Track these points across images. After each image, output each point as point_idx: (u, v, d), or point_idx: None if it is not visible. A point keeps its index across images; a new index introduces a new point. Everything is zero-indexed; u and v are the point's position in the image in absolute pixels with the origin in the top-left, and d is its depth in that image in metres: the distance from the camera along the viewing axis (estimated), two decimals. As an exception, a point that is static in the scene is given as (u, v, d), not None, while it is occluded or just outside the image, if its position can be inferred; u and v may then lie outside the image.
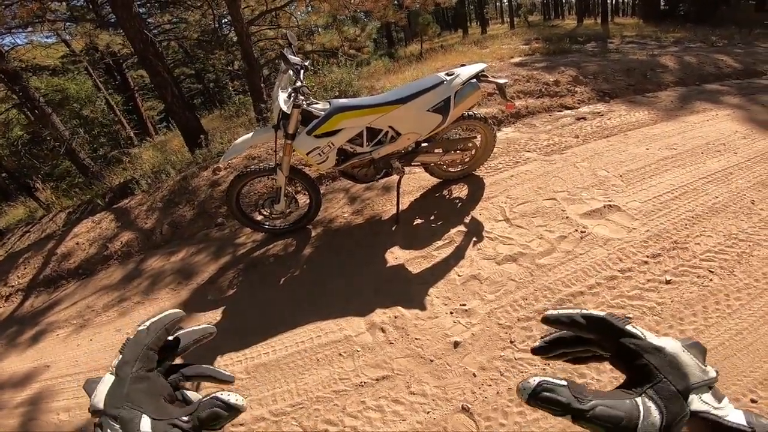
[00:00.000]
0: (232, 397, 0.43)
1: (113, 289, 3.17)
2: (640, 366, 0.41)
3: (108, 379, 0.43)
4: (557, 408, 0.37)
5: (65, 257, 3.74)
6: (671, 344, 0.41)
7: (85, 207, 4.68)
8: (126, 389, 0.42)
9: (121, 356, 0.44)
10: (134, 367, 0.44)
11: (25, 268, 3.82)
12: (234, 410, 0.43)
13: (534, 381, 0.39)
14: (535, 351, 0.50)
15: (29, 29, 7.52)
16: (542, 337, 0.51)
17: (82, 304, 3.11)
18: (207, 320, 2.53)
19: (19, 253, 4.22)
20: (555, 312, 0.47)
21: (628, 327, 0.43)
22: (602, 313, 0.44)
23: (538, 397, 0.38)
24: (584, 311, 0.45)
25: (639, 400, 0.38)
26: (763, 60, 6.11)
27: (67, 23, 8.95)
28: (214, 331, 0.55)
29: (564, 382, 0.38)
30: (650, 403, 0.37)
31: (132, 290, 3.07)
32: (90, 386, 0.43)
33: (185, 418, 0.41)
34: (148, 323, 0.48)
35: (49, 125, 7.28)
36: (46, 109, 7.42)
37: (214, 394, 0.43)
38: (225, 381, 0.52)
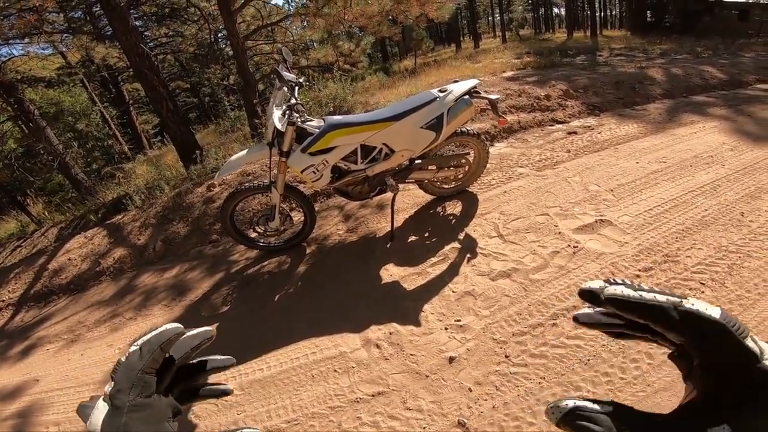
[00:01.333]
0: (254, 430, 0.42)
1: (105, 304, 3.15)
2: (749, 394, 0.30)
3: (102, 407, 0.40)
4: None
5: (57, 273, 3.72)
6: None
7: (77, 222, 4.66)
8: (123, 419, 0.39)
9: (114, 383, 0.41)
10: (130, 395, 0.41)
11: (15, 283, 3.80)
12: None
13: (568, 404, 0.32)
14: (578, 320, 0.41)
15: (26, 40, 7.56)
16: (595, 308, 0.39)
17: (74, 319, 3.09)
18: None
19: (9, 268, 4.19)
20: (631, 292, 0.35)
21: (749, 341, 0.32)
22: (716, 314, 0.33)
23: (570, 425, 0.32)
24: (675, 299, 0.34)
25: None
26: (748, 70, 6.27)
27: (64, 35, 9.01)
28: (213, 333, 0.51)
29: (607, 407, 0.32)
30: None
31: (124, 306, 3.05)
32: (84, 411, 0.41)
33: None
34: (140, 343, 0.44)
35: (43, 138, 7.27)
36: (40, 122, 7.40)
37: (237, 428, 0.43)
38: (229, 365, 0.52)
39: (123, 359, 0.43)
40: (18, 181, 10.07)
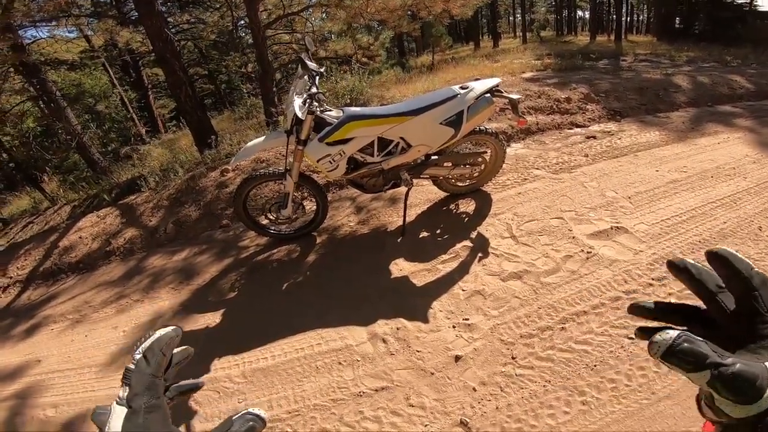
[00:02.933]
0: (259, 411, 0.45)
1: (113, 285, 3.17)
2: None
3: (120, 411, 0.43)
4: (694, 360, 0.35)
5: (67, 251, 3.75)
6: None
7: (90, 201, 4.72)
8: (142, 420, 0.42)
9: (129, 388, 0.44)
10: (144, 397, 0.44)
11: (25, 260, 3.84)
12: (264, 423, 0.44)
13: (672, 333, 0.36)
14: (635, 309, 0.45)
15: (53, 23, 7.65)
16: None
17: (80, 299, 3.11)
18: (206, 322, 2.53)
19: (20, 244, 4.24)
20: (696, 264, 0.43)
21: None
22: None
23: (677, 350, 0.36)
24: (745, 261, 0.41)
25: None
26: (777, 81, 6.09)
27: (90, 19, 9.12)
28: (192, 352, 0.55)
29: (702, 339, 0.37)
30: None
31: (132, 288, 3.07)
32: (99, 418, 0.44)
33: None
34: (142, 349, 0.47)
35: (63, 118, 7.37)
36: (61, 102, 7.50)
37: (245, 411, 0.45)
38: (198, 387, 0.53)
39: (132, 366, 0.46)
40: (34, 159, 10.24)
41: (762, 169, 3.31)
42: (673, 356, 0.36)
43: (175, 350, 0.52)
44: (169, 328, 0.50)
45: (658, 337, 0.37)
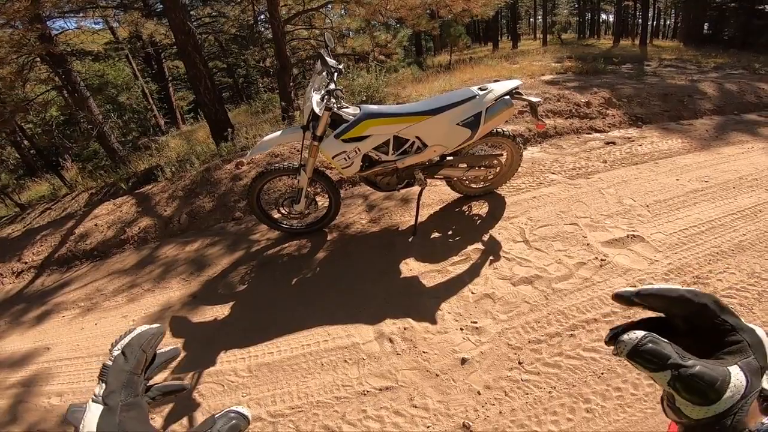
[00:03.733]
0: (244, 409, 0.44)
1: (125, 274, 3.22)
2: (734, 341, 0.41)
3: (95, 409, 0.42)
4: (657, 360, 0.38)
5: (82, 238, 3.82)
6: (759, 330, 0.43)
7: (108, 189, 4.81)
8: (117, 418, 0.41)
9: (105, 385, 0.43)
10: (122, 395, 0.43)
11: (41, 246, 3.92)
12: (248, 421, 0.44)
13: (639, 333, 0.39)
14: (618, 298, 0.47)
15: (80, 14, 7.81)
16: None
17: (92, 286, 3.16)
18: (215, 314, 2.55)
19: (37, 229, 4.33)
20: (652, 287, 0.44)
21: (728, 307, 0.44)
22: (706, 299, 0.43)
23: (641, 349, 0.38)
24: (682, 289, 0.43)
25: (732, 368, 0.39)
26: (806, 90, 5.88)
27: (117, 10, 9.30)
28: (178, 353, 0.53)
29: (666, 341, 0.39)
30: (740, 374, 0.38)
31: (144, 277, 3.11)
32: (74, 415, 0.42)
33: None
34: (121, 346, 0.46)
35: (86, 108, 7.52)
36: (84, 92, 7.66)
37: (228, 409, 0.44)
38: (182, 389, 0.52)
39: (109, 363, 0.45)
40: (55, 147, 10.47)
41: (786, 181, 3.21)
42: (638, 355, 0.38)
43: (162, 349, 0.51)
44: (153, 326, 0.49)
45: (625, 337, 0.39)
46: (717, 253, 2.45)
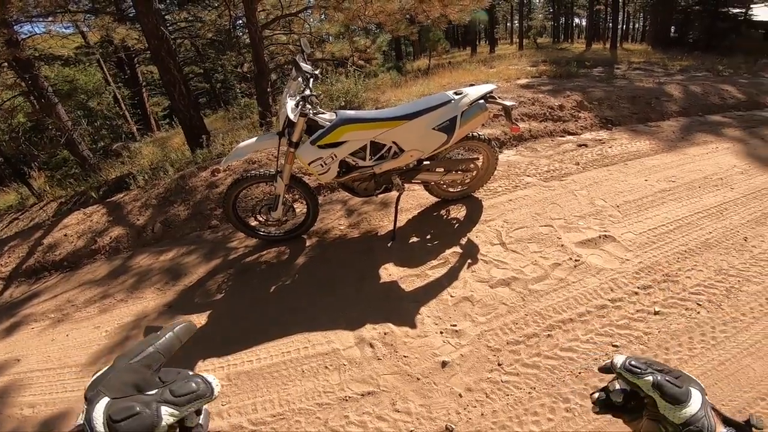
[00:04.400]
0: (211, 378, 0.43)
1: (97, 284, 3.12)
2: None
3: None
4: (643, 368, 0.52)
5: (51, 248, 3.69)
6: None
7: (77, 198, 4.66)
8: (109, 376, 0.42)
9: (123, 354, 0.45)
10: (133, 359, 0.43)
11: (8, 257, 3.77)
12: (210, 391, 0.42)
13: (623, 356, 0.54)
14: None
15: (49, 19, 7.56)
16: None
17: (63, 297, 3.06)
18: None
19: (4, 240, 4.16)
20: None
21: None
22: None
23: (630, 364, 0.53)
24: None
25: (685, 386, 0.53)
26: (767, 91, 6.18)
27: (87, 15, 9.03)
28: (195, 328, 0.54)
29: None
30: (692, 389, 0.52)
31: (116, 287, 3.03)
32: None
33: (152, 392, 0.41)
34: (162, 330, 0.48)
35: (53, 114, 7.28)
36: (52, 98, 7.42)
37: (194, 373, 0.43)
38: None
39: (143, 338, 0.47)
40: (23, 154, 10.09)
41: (749, 179, 3.36)
42: (628, 369, 0.52)
43: (178, 327, 0.52)
44: (189, 323, 0.51)
45: (615, 359, 0.55)
46: (685, 251, 2.55)
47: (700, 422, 0.48)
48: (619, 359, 0.54)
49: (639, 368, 0.52)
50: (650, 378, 0.51)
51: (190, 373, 0.44)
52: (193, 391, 0.41)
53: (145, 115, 15.40)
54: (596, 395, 0.60)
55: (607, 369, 0.57)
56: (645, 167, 3.66)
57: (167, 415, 0.40)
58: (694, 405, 0.49)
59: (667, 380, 0.50)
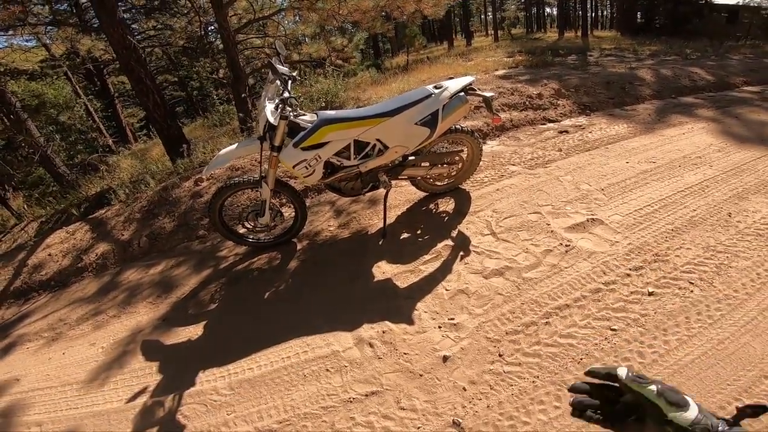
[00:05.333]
0: None
1: (87, 301, 3.05)
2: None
3: None
4: (646, 380, 0.59)
5: (36, 268, 3.59)
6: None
7: (59, 217, 4.52)
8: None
9: None
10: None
11: (-6, 280, 3.65)
12: None
13: (625, 369, 0.61)
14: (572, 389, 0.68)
15: (9, 32, 7.32)
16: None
17: (54, 317, 2.99)
18: (188, 335, 2.46)
19: (-12, 263, 4.03)
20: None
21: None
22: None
23: (635, 375, 0.60)
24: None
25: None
26: (735, 72, 6.37)
27: (49, 27, 8.75)
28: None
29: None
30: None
31: (107, 303, 2.96)
32: None
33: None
34: None
35: (24, 131, 7.05)
36: (21, 114, 7.18)
37: None
38: None
39: None
40: (-2, 175, 9.76)
41: (726, 157, 3.45)
42: (633, 380, 0.60)
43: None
44: None
45: (620, 371, 0.61)
46: (672, 230, 2.59)
47: (703, 422, 0.54)
48: (622, 371, 0.60)
49: (642, 378, 0.59)
50: (653, 387, 0.57)
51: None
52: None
53: (121, 127, 15.05)
54: (575, 400, 0.65)
55: (576, 388, 0.65)
56: (625, 150, 3.72)
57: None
58: (693, 408, 0.56)
59: (667, 389, 0.57)
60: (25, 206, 5.61)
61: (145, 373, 2.27)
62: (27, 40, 9.78)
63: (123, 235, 3.70)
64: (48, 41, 10.13)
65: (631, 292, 2.17)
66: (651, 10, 17.95)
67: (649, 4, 17.90)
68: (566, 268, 2.37)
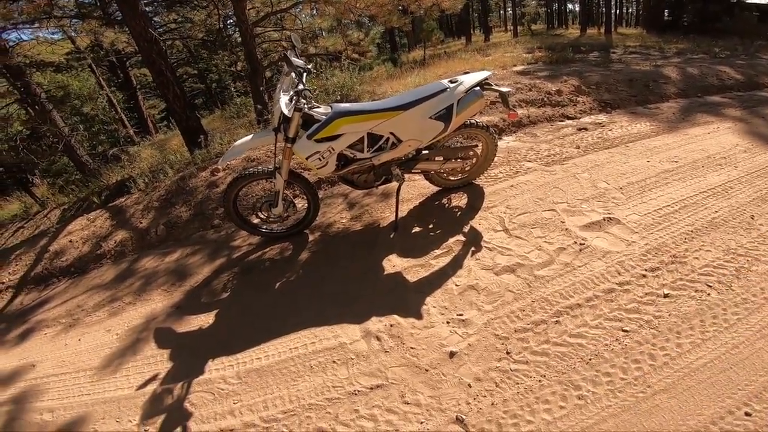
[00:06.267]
0: None
1: (105, 288, 3.13)
2: None
3: None
4: None
5: (57, 255, 3.70)
6: None
7: (80, 204, 4.64)
8: None
9: None
10: None
11: (16, 265, 3.78)
12: None
13: None
14: None
15: (36, 25, 7.51)
16: None
17: (72, 303, 3.07)
18: (200, 323, 2.50)
19: (11, 249, 4.17)
20: None
21: None
22: None
23: None
24: None
25: None
26: (765, 72, 6.13)
27: (74, 20, 8.95)
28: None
29: None
30: None
31: (124, 290, 3.03)
32: None
33: None
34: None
35: (48, 121, 7.25)
36: (47, 105, 7.40)
37: None
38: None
39: None
40: (23, 163, 10.07)
41: (752, 158, 3.33)
42: None
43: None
44: None
45: None
46: (692, 231, 2.52)
47: None
48: None
49: None
50: None
51: None
52: None
53: (142, 119, 15.37)
54: None
55: None
56: (647, 148, 3.62)
57: None
58: None
59: None
60: (49, 194, 5.77)
61: (156, 361, 2.31)
62: (53, 33, 10.02)
63: (141, 223, 3.78)
64: (73, 34, 10.37)
65: (646, 294, 2.11)
66: (679, 7, 17.39)
67: (677, 2, 17.35)
68: (579, 266, 2.33)
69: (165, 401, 2.05)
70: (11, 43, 7.81)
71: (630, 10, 37.58)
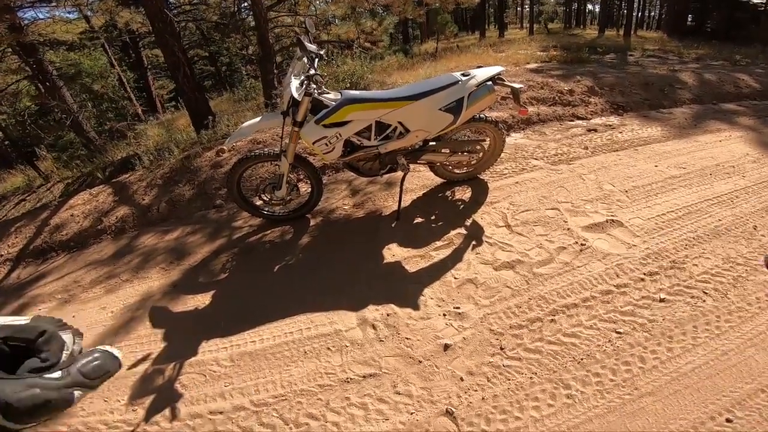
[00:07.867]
0: (113, 349, 0.40)
1: (103, 264, 3.12)
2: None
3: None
4: None
5: (58, 228, 3.70)
6: None
7: (84, 179, 4.65)
8: None
9: None
10: None
11: (16, 237, 3.78)
12: (119, 363, 0.39)
13: None
14: None
15: (53, 3, 7.50)
16: None
17: (70, 278, 3.06)
18: (196, 303, 2.50)
19: (12, 221, 4.17)
20: None
21: None
22: None
23: None
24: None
25: None
26: (784, 81, 6.01)
27: (90, -1, 8.94)
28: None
29: None
30: None
31: (122, 267, 3.02)
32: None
33: (56, 375, 0.38)
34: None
35: (58, 97, 7.27)
36: (57, 81, 7.41)
37: (94, 348, 0.40)
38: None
39: None
40: (29, 137, 10.12)
41: (761, 168, 3.28)
42: None
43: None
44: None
45: None
46: (693, 238, 2.50)
47: None
48: None
49: None
50: None
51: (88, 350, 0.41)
52: (107, 372, 0.40)
53: (151, 98, 15.37)
54: None
55: None
56: (655, 153, 3.58)
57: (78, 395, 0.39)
58: None
59: None
60: (54, 168, 5.79)
61: (149, 340, 2.30)
62: (68, 12, 10.01)
63: (144, 199, 3.78)
64: (89, 13, 10.36)
65: (642, 297, 2.11)
66: (704, 13, 17.09)
67: (702, 7, 17.04)
68: (579, 266, 2.32)
69: (155, 381, 2.03)
70: (26, 21, 7.79)
71: (652, 13, 37.04)
